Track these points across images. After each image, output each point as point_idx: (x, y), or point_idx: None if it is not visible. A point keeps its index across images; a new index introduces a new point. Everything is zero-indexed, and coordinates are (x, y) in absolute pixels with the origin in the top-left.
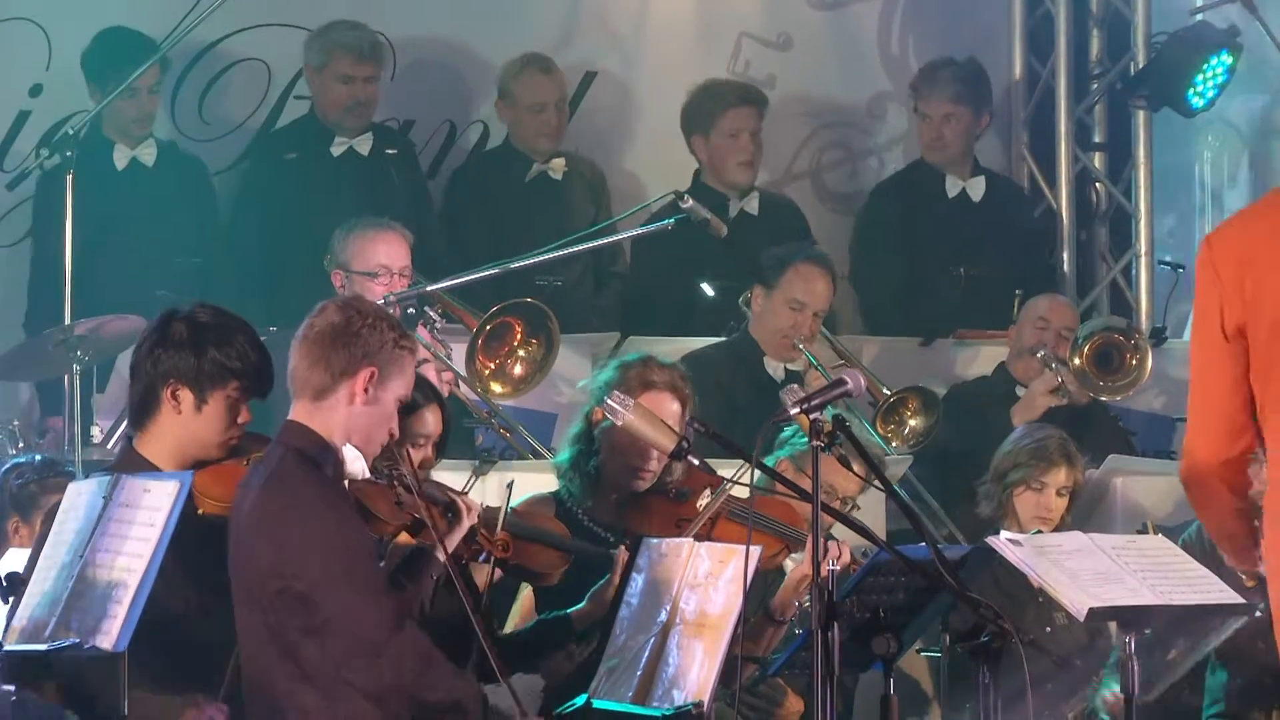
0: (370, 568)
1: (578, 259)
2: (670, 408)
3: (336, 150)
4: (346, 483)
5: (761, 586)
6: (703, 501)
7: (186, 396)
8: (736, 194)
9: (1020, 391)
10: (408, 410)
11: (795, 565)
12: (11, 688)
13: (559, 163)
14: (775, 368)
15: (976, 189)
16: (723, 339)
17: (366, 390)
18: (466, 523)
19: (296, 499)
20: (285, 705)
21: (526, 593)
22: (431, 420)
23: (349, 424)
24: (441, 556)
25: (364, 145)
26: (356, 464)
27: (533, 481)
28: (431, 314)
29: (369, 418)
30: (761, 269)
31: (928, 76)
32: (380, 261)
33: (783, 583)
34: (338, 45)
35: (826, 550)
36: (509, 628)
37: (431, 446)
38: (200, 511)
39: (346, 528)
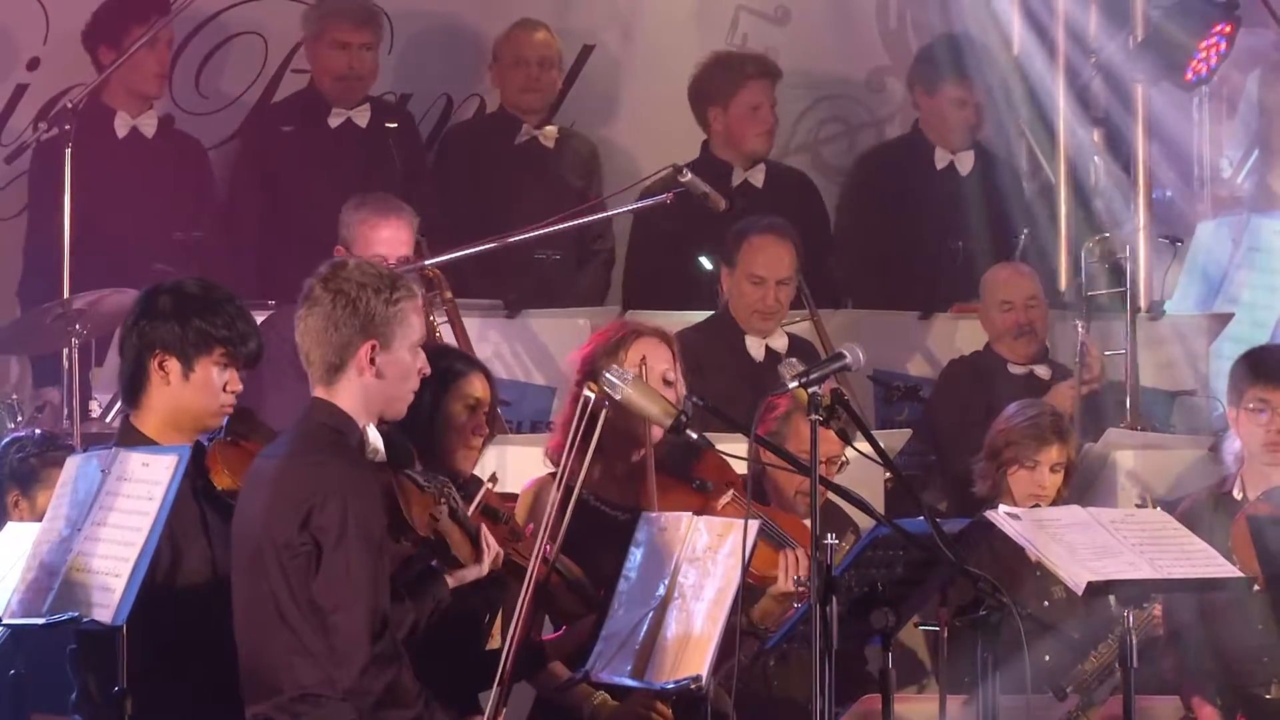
0: (377, 558)
1: (569, 233)
2: (661, 352)
3: (334, 122)
4: (392, 473)
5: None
6: (723, 501)
7: (174, 366)
8: (743, 164)
9: (1013, 369)
10: (454, 376)
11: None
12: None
13: (551, 130)
14: (756, 347)
15: (965, 162)
16: (704, 319)
17: (372, 362)
18: (480, 569)
19: (324, 464)
20: (283, 678)
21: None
22: (479, 384)
23: (367, 397)
24: (451, 583)
25: (361, 117)
26: (378, 442)
27: (528, 456)
28: (445, 292)
29: (384, 388)
30: (725, 247)
31: (930, 58)
32: (378, 251)
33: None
34: (333, 13)
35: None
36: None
37: (483, 415)
38: (218, 486)
39: (368, 506)
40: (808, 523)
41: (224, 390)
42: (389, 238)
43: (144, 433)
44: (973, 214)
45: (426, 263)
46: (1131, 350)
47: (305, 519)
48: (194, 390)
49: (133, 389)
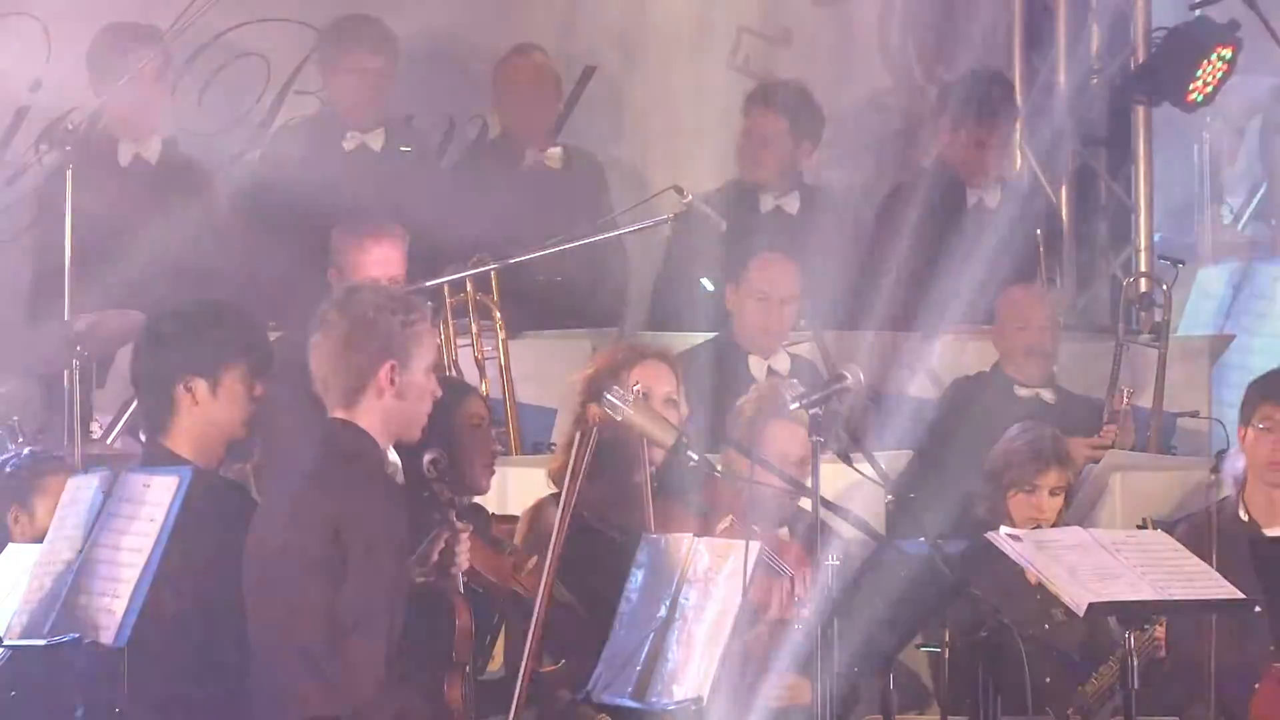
0: (399, 581)
1: (576, 253)
2: (664, 374)
3: (349, 145)
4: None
5: None
6: (721, 525)
7: (200, 385)
8: (772, 191)
9: (1019, 391)
10: (456, 401)
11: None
12: None
13: (555, 152)
14: (759, 368)
15: (993, 195)
16: (706, 340)
17: (392, 382)
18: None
19: (356, 484)
20: (288, 699)
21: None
22: (478, 403)
23: (386, 418)
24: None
25: (376, 140)
26: (398, 462)
27: (531, 477)
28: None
29: (403, 409)
30: (730, 265)
31: (966, 96)
32: (370, 273)
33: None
34: (350, 38)
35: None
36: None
37: (488, 429)
38: None
39: (396, 528)
40: (790, 540)
41: (252, 398)
42: (380, 258)
43: (176, 452)
44: (1000, 243)
45: (426, 284)
46: (1159, 379)
47: (334, 535)
48: (223, 404)
49: (159, 418)
